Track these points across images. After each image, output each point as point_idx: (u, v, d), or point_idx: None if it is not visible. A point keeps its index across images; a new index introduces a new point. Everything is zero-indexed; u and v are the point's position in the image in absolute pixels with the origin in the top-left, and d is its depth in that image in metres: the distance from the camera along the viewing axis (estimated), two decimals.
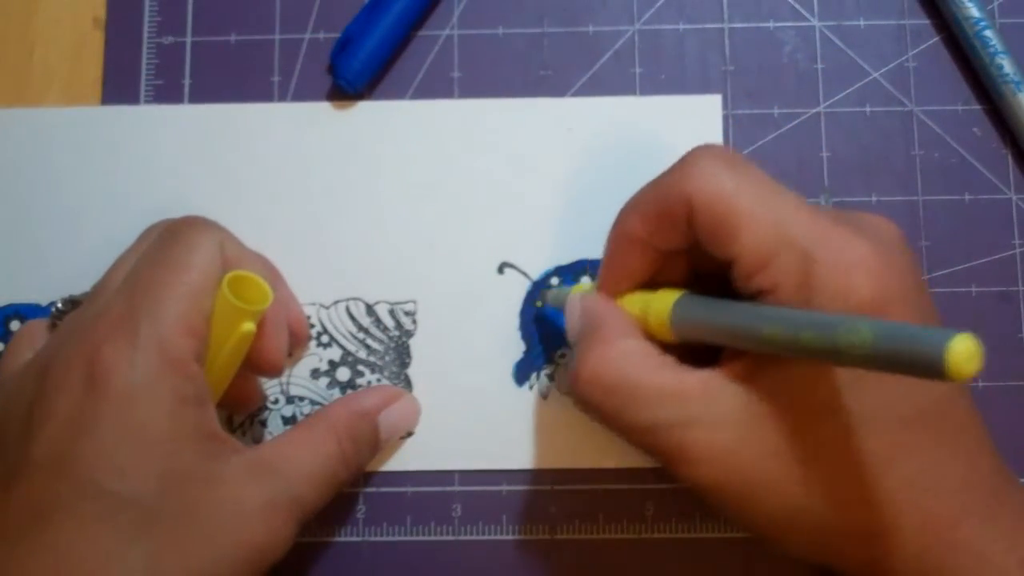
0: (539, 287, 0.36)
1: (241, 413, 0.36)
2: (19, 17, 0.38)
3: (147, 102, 0.38)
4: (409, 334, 0.36)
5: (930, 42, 0.38)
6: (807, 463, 0.26)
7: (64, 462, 0.26)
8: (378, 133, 0.37)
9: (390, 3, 0.37)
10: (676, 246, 0.29)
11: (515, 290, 0.36)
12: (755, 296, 0.27)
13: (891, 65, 0.38)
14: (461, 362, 0.36)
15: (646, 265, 0.29)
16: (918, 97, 0.37)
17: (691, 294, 0.28)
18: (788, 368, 0.26)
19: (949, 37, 0.38)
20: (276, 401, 0.36)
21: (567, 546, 0.35)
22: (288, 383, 0.36)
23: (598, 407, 0.28)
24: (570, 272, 0.36)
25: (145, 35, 0.38)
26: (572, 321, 0.31)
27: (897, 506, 0.26)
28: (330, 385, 0.36)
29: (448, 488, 0.35)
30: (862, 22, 0.38)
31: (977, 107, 0.37)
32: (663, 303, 0.29)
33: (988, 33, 0.36)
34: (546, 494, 0.35)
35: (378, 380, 0.36)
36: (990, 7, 0.38)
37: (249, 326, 0.30)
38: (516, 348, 0.36)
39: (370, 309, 0.36)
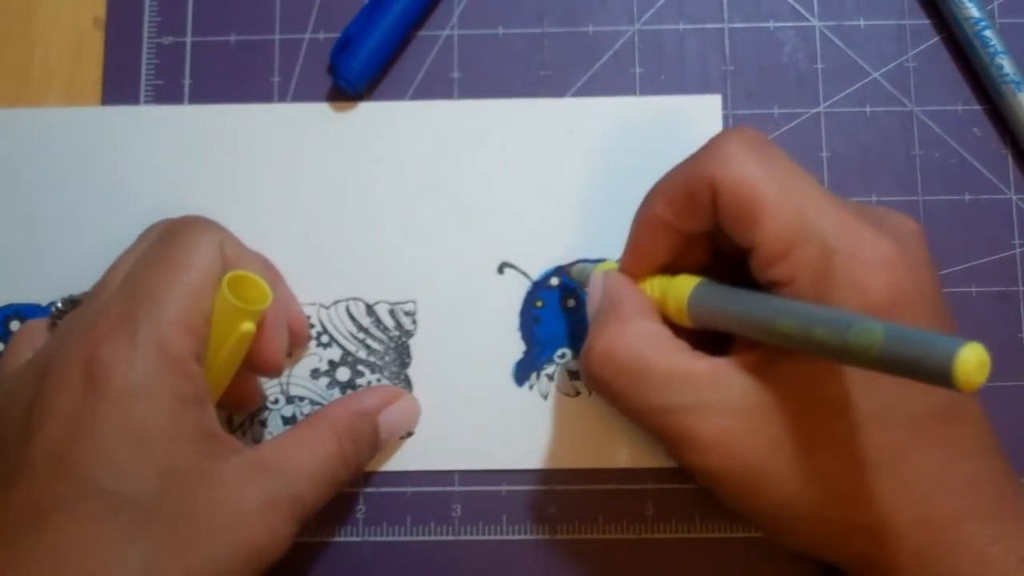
0: (539, 287, 0.36)
1: (241, 413, 0.35)
2: (19, 17, 0.39)
3: (147, 102, 0.38)
4: (409, 334, 0.36)
5: (930, 42, 0.38)
6: (812, 457, 0.26)
7: (63, 462, 0.26)
8: (378, 134, 0.37)
9: (390, 3, 0.37)
10: (699, 229, 0.28)
11: (515, 290, 0.36)
12: (772, 286, 0.27)
13: (891, 65, 0.38)
14: (461, 362, 0.36)
15: (669, 248, 0.29)
16: (918, 97, 0.37)
17: (709, 282, 0.29)
18: (799, 362, 0.26)
19: (949, 37, 0.38)
20: (276, 401, 0.36)
21: (567, 546, 0.35)
22: (288, 383, 0.36)
23: (608, 385, 0.28)
24: None
25: (145, 35, 0.38)
26: (593, 297, 0.31)
27: (899, 503, 0.26)
28: (330, 385, 0.36)
29: (448, 488, 0.35)
30: (862, 22, 0.38)
31: (977, 107, 0.37)
32: (681, 289, 0.29)
33: (988, 33, 0.36)
34: (546, 494, 0.35)
35: (378, 380, 0.36)
36: (990, 7, 0.38)
37: (249, 326, 0.30)
38: (516, 348, 0.36)
39: (370, 309, 0.36)
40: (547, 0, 0.38)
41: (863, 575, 0.28)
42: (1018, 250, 0.36)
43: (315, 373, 0.36)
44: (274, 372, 0.33)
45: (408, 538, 0.35)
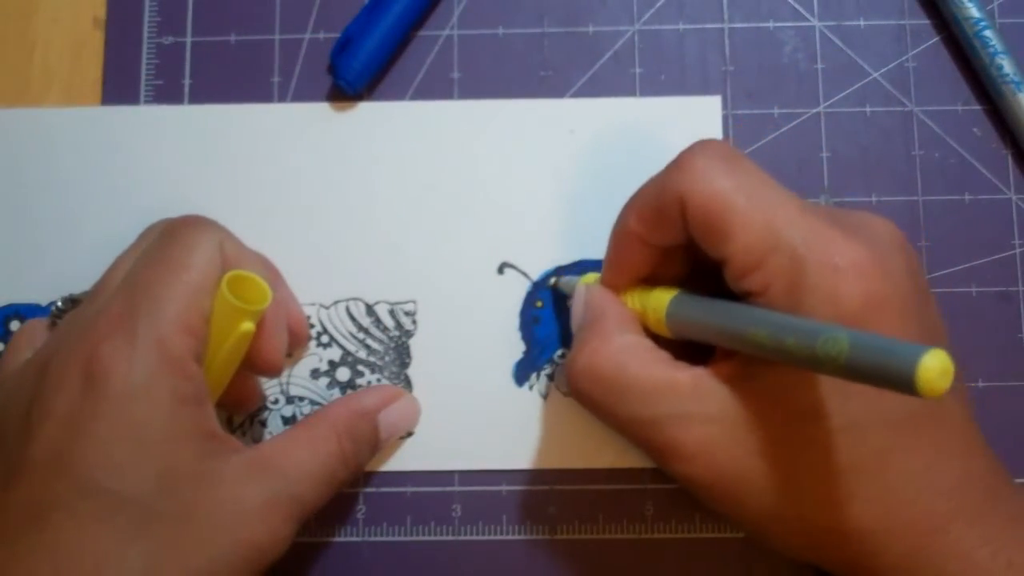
0: (539, 287, 0.36)
1: (241, 413, 0.35)
2: (19, 17, 0.39)
3: (147, 102, 0.38)
4: (409, 334, 0.36)
5: (930, 42, 0.38)
6: (792, 464, 0.26)
7: (63, 461, 0.26)
8: (378, 134, 0.37)
9: (390, 3, 0.37)
10: (673, 243, 0.29)
11: (515, 290, 0.36)
12: (747, 296, 0.27)
13: (891, 65, 0.38)
14: (461, 362, 0.36)
15: (645, 260, 0.30)
16: (918, 97, 0.37)
17: (686, 293, 0.29)
18: (776, 371, 0.26)
19: (949, 37, 0.38)
20: (276, 401, 0.36)
21: (567, 546, 0.35)
22: (288, 383, 0.36)
23: (591, 398, 0.29)
24: (570, 272, 0.36)
25: (145, 35, 0.38)
26: (576, 311, 0.31)
27: (885, 508, 0.26)
28: (330, 385, 0.36)
29: (448, 488, 0.35)
30: (862, 22, 0.38)
31: (977, 107, 0.37)
32: (660, 301, 0.29)
33: (988, 33, 0.36)
34: (546, 494, 0.35)
35: (378, 380, 0.36)
36: (990, 7, 0.38)
37: (248, 325, 0.30)
38: (516, 348, 0.36)
39: (370, 309, 0.36)
40: (547, 0, 0.38)
41: None
42: (1018, 250, 0.36)
43: (315, 373, 0.36)
44: (274, 372, 0.33)
45: (408, 538, 0.35)
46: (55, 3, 0.39)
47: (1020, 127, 0.36)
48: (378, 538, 0.35)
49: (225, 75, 0.38)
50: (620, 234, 0.30)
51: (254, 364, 0.32)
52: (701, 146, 0.28)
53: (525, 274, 0.36)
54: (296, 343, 0.35)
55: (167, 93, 0.38)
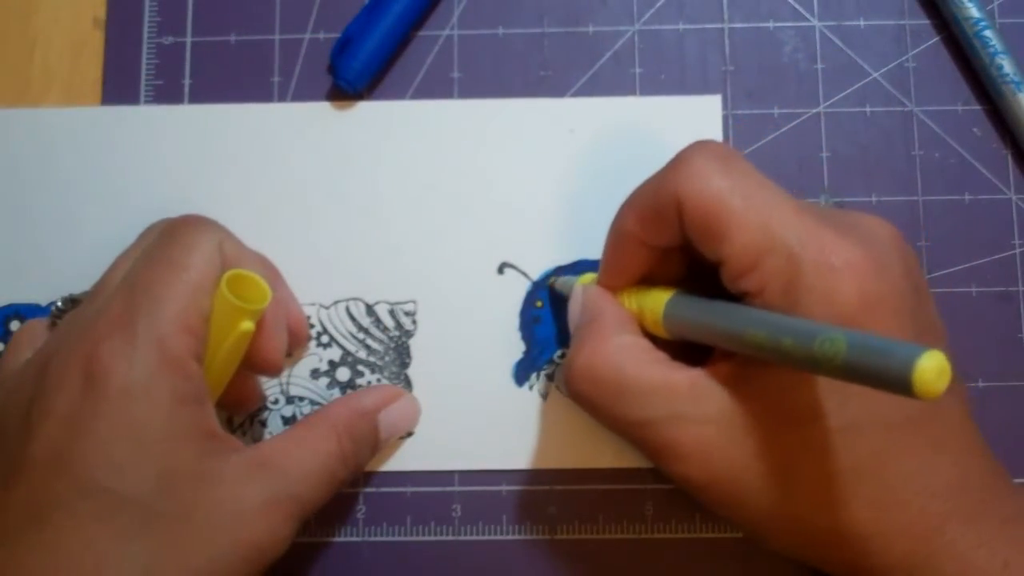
0: (539, 287, 0.36)
1: (241, 413, 0.35)
2: (19, 17, 0.39)
3: (147, 102, 0.38)
4: (409, 334, 0.36)
5: (930, 42, 0.38)
6: (789, 466, 0.26)
7: (62, 461, 0.26)
8: (378, 133, 0.37)
9: (390, 3, 0.37)
10: (670, 244, 0.29)
11: (515, 290, 0.36)
12: (744, 297, 0.27)
13: (891, 65, 0.38)
14: (461, 362, 0.36)
15: (642, 261, 0.30)
16: (918, 97, 0.37)
17: (683, 293, 0.29)
18: (773, 372, 0.26)
19: (949, 37, 0.38)
20: (276, 401, 0.36)
21: (567, 546, 0.35)
22: (288, 383, 0.36)
23: (589, 399, 0.29)
24: (570, 272, 0.36)
25: (145, 35, 0.38)
26: (574, 312, 0.31)
27: (880, 509, 0.26)
28: (330, 385, 0.36)
29: (448, 488, 0.35)
30: (862, 22, 0.38)
31: (977, 107, 0.37)
32: (657, 301, 0.29)
33: (988, 33, 0.36)
34: (546, 494, 0.35)
35: (378, 380, 0.36)
36: (990, 7, 0.38)
37: (248, 325, 0.30)
38: (516, 348, 0.36)
39: (370, 309, 0.36)
40: (547, 0, 0.38)
41: None
42: (1018, 250, 0.36)
43: (315, 373, 0.36)
44: (273, 372, 0.33)
45: (408, 538, 0.35)
46: (55, 3, 0.39)
47: (1020, 127, 0.36)
48: (378, 538, 0.35)
49: (225, 75, 0.38)
50: (617, 235, 0.30)
51: (254, 364, 0.32)
52: (698, 147, 0.28)
53: (525, 274, 0.36)
54: (296, 343, 0.35)
55: (167, 93, 0.38)
